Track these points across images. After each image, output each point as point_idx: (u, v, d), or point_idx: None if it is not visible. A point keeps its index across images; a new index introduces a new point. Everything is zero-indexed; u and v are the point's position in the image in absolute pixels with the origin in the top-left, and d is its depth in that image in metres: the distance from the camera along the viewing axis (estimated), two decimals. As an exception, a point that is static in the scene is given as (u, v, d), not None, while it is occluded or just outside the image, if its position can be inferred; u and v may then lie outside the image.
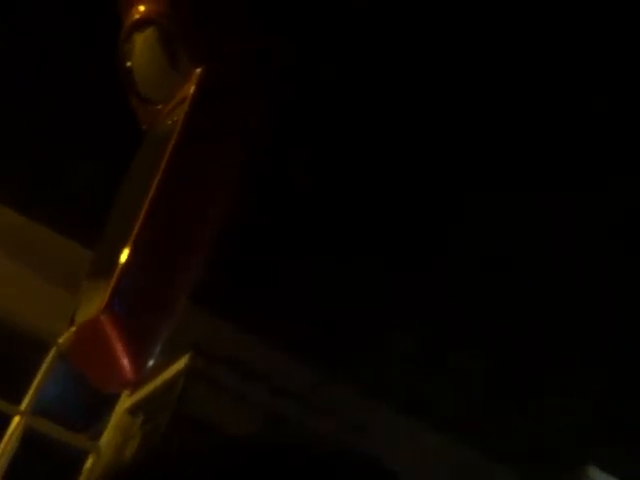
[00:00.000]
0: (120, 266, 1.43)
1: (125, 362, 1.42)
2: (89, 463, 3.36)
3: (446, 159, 2.34)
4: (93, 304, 1.44)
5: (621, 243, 2.42)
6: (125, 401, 3.67)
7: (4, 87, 2.27)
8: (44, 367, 3.42)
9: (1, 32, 2.07)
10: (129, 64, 1.67)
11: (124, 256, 1.44)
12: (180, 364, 3.41)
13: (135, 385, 1.51)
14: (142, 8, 1.63)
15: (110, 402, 3.61)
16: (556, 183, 2.31)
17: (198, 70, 1.54)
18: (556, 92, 2.06)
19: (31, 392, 3.38)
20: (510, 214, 2.50)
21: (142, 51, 1.64)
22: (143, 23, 1.63)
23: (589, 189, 2.31)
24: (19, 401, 3.36)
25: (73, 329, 1.46)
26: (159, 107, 1.65)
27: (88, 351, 1.47)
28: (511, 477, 3.40)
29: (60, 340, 1.49)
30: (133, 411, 3.71)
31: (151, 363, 1.49)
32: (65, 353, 3.48)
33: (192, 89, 1.53)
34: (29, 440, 3.33)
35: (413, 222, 2.57)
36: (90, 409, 3.70)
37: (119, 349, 1.41)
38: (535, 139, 2.22)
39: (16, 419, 3.31)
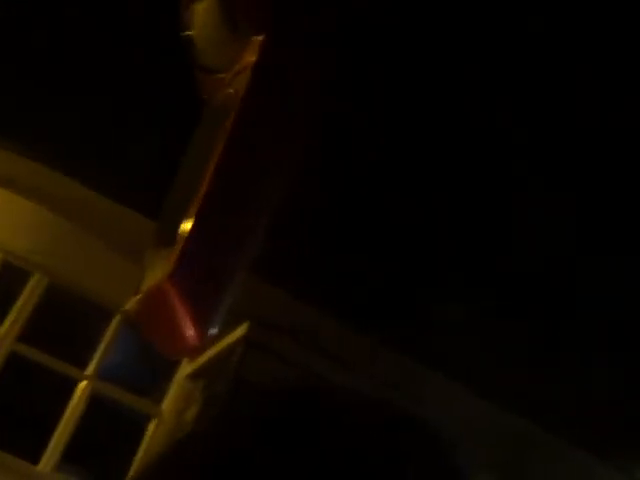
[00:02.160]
0: (184, 236, 1.45)
1: (189, 328, 1.45)
2: (152, 427, 3.46)
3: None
4: (158, 272, 1.46)
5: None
6: (186, 367, 3.75)
7: (66, 61, 2.30)
8: (109, 333, 3.52)
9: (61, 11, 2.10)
10: (189, 33, 1.67)
11: (188, 226, 1.46)
12: (238, 332, 3.46)
13: (197, 352, 1.53)
14: (203, -24, 1.62)
15: (172, 368, 3.70)
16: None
17: (259, 38, 1.53)
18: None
19: (96, 357, 3.49)
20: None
21: (202, 19, 1.64)
22: (203, -8, 1.62)
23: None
24: (85, 366, 3.47)
25: (139, 296, 1.48)
26: (220, 76, 1.65)
27: (153, 317, 1.50)
28: (559, 445, 3.38)
29: (125, 307, 1.52)
30: (194, 377, 3.79)
31: (214, 331, 1.51)
32: (130, 320, 3.57)
33: (254, 58, 1.52)
34: (95, 404, 3.45)
35: (465, 201, 2.55)
36: (153, 375, 3.80)
37: (183, 315, 1.43)
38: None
39: (82, 383, 3.43)
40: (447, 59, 1.96)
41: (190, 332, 1.44)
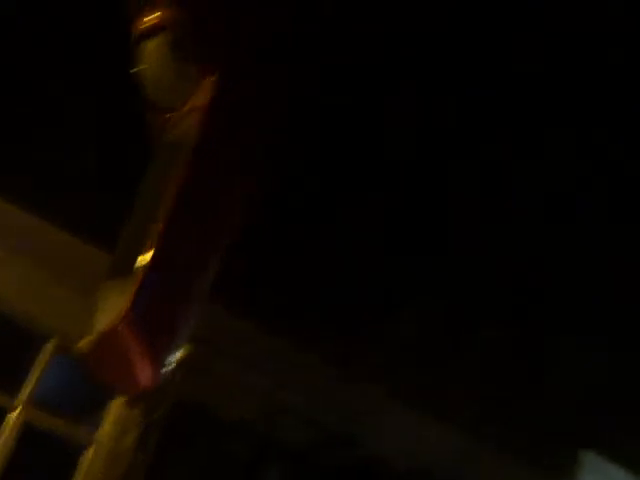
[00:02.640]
0: (140, 272, 1.46)
1: (142, 368, 1.46)
2: (89, 454, 3.39)
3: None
4: (113, 309, 1.46)
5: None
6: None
7: (15, 89, 2.26)
8: (42, 360, 3.42)
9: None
10: (140, 71, 1.68)
11: (144, 262, 1.47)
12: (181, 355, 3.43)
13: (150, 389, 1.54)
14: (153, 15, 1.64)
15: (109, 394, 3.63)
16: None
17: (212, 78, 1.56)
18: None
19: (30, 385, 3.39)
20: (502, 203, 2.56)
21: (153, 58, 1.66)
22: (154, 30, 1.64)
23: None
24: (18, 394, 3.37)
25: (92, 336, 1.48)
26: (171, 114, 1.67)
27: (106, 356, 1.50)
28: (514, 465, 3.48)
29: (79, 345, 1.51)
30: (132, 402, 3.72)
31: (168, 367, 1.52)
32: (66, 345, 3.49)
33: (206, 97, 1.55)
34: (28, 432, 3.35)
35: (413, 216, 2.62)
36: (88, 401, 3.72)
37: (138, 355, 1.44)
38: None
39: (15, 411, 3.32)
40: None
41: (143, 371, 1.45)
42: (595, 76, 2.07)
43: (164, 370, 1.50)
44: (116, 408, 3.63)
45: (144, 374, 1.45)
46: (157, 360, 1.45)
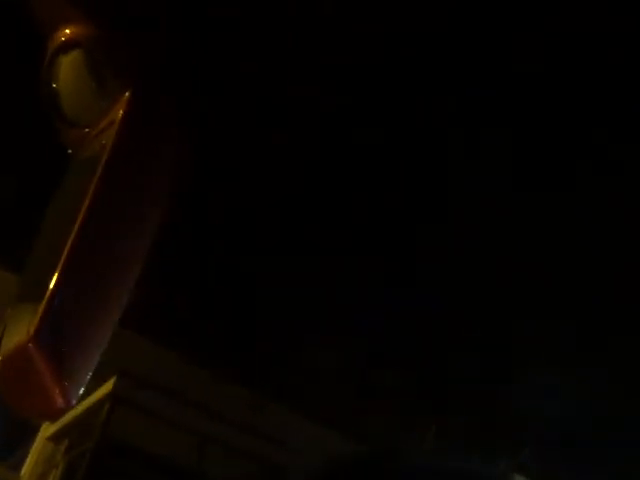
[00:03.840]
0: (48, 292, 1.41)
1: (55, 390, 1.40)
2: (11, 494, 3.25)
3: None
4: (20, 332, 1.40)
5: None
6: (47, 429, 3.55)
7: None
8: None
9: None
10: (54, 87, 1.64)
11: (52, 282, 1.42)
12: (105, 388, 3.33)
13: (62, 413, 1.47)
14: (68, 30, 1.61)
15: (31, 432, 3.49)
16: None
17: (126, 94, 1.54)
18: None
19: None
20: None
21: (68, 74, 1.62)
22: (69, 45, 1.61)
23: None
24: None
25: (-1, 358, 1.41)
26: (86, 130, 1.63)
27: (15, 380, 1.43)
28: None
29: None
30: (55, 439, 3.59)
31: (81, 390, 1.47)
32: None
33: (120, 113, 1.52)
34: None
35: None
36: (10, 439, 3.56)
37: (48, 377, 1.38)
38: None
39: None
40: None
41: (56, 394, 1.39)
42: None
43: (77, 395, 1.44)
44: (39, 445, 3.49)
45: (57, 398, 1.39)
46: (69, 382, 1.39)
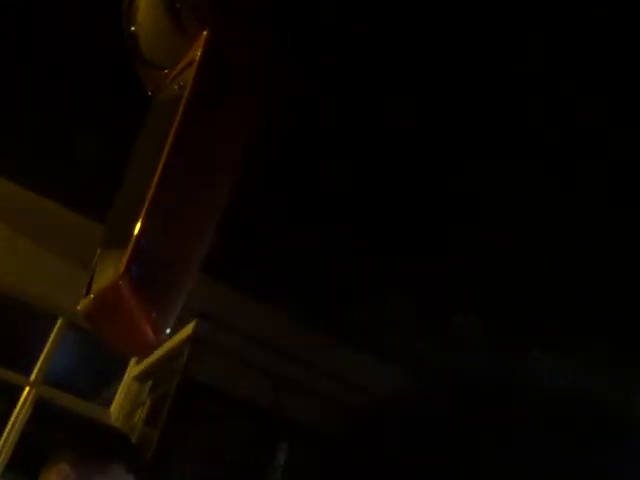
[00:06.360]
0: (135, 234, 1.43)
1: (145, 326, 1.43)
2: (101, 430, 3.40)
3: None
4: (109, 272, 1.44)
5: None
6: (133, 369, 3.70)
7: (6, 60, 2.24)
8: (52, 337, 3.43)
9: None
10: (133, 29, 1.65)
11: (138, 224, 1.44)
12: (186, 331, 3.43)
13: (153, 349, 1.52)
14: (144, -28, 1.60)
15: (118, 371, 3.65)
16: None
17: (204, 33, 1.52)
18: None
19: (40, 362, 3.40)
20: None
21: (146, 15, 1.62)
22: (146, -13, 1.60)
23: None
24: (30, 372, 3.38)
25: (90, 297, 1.46)
26: (165, 71, 1.63)
27: (108, 317, 1.48)
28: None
29: (77, 307, 1.49)
30: (141, 378, 3.74)
31: (169, 327, 1.50)
32: (74, 324, 3.49)
33: (198, 52, 1.51)
34: (40, 410, 3.37)
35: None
36: (99, 377, 3.73)
37: (138, 313, 1.42)
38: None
39: (27, 389, 3.34)
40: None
41: (147, 329, 1.43)
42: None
43: (166, 331, 1.48)
44: (126, 385, 3.64)
45: (147, 334, 1.43)
46: (158, 318, 1.43)
